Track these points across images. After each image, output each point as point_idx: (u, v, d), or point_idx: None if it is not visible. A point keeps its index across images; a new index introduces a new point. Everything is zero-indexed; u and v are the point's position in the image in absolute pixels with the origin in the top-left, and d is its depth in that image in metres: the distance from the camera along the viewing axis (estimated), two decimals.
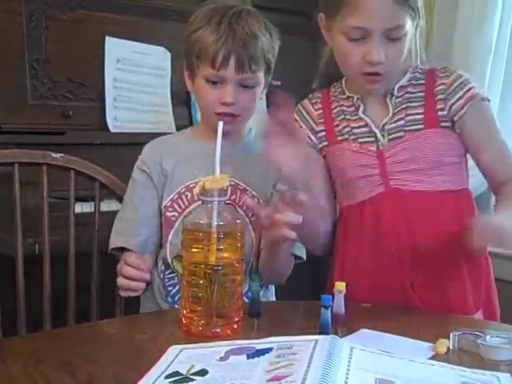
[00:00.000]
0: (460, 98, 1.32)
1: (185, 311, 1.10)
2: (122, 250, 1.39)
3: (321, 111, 1.40)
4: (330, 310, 1.04)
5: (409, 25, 1.26)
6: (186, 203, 1.39)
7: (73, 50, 2.11)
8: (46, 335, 1.23)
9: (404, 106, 1.34)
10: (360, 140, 1.34)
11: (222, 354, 0.93)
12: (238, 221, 1.12)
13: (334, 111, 1.39)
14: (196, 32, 1.34)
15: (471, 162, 1.39)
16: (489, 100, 1.36)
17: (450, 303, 1.30)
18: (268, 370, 0.85)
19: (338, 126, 1.37)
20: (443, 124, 1.32)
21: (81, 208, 1.75)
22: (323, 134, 1.38)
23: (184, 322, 1.10)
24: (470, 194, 1.38)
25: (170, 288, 1.41)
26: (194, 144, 1.45)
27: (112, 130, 2.12)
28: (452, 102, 1.32)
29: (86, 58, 2.14)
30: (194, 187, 1.36)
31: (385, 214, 1.31)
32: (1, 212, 1.69)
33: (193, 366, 0.90)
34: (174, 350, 0.97)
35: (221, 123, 1.16)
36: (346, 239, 1.37)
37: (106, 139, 2.03)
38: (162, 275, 1.41)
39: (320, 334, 1.00)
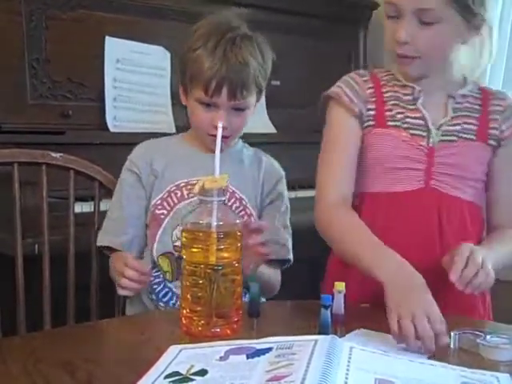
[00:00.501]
0: None
1: (184, 311, 1.10)
2: (110, 247, 1.42)
3: (372, 90, 1.36)
4: (329, 309, 1.04)
5: (446, 14, 1.25)
6: (176, 201, 1.40)
7: (72, 50, 2.10)
8: (45, 335, 1.23)
9: (463, 113, 1.35)
10: (412, 131, 1.33)
11: (222, 354, 0.93)
12: (238, 221, 1.13)
13: (386, 95, 1.36)
14: (192, 53, 1.37)
15: None
16: None
17: (464, 306, 1.29)
18: (268, 369, 0.85)
19: (390, 110, 1.35)
20: (490, 142, 1.35)
21: (80, 208, 1.74)
22: (372, 113, 1.35)
23: (184, 321, 1.10)
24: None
25: (155, 286, 1.41)
26: (186, 148, 1.47)
27: (111, 129, 2.11)
28: (506, 125, 1.35)
29: (86, 57, 2.13)
30: (184, 186, 1.39)
31: (419, 211, 1.30)
32: (0, 212, 1.69)
33: (192, 366, 0.90)
34: (173, 349, 0.97)
35: (220, 123, 1.17)
36: None
37: (105, 139, 2.03)
38: None
39: (320, 333, 1.00)
